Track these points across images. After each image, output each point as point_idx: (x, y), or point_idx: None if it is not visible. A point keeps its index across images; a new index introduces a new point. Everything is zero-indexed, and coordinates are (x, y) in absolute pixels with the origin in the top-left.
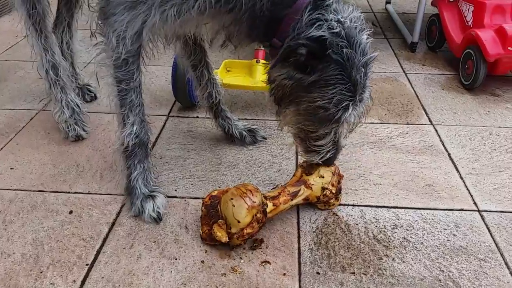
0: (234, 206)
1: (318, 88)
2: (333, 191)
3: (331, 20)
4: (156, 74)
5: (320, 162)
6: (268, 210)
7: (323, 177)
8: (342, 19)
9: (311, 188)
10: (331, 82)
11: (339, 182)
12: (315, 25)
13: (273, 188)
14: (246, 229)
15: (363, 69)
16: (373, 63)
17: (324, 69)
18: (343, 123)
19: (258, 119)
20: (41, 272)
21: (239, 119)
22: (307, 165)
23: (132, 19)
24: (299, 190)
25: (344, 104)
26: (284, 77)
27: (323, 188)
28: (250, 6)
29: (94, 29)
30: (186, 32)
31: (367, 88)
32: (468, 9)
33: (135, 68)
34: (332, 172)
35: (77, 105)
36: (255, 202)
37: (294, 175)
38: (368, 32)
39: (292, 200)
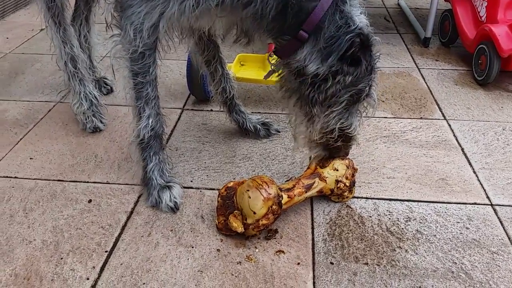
0: (250, 197)
1: (363, 77)
2: (347, 184)
3: (360, 14)
4: (171, 68)
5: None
6: (283, 202)
7: (337, 170)
8: (359, 12)
9: (325, 180)
10: (370, 68)
11: (353, 175)
12: (356, 18)
13: (287, 181)
14: (261, 220)
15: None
16: None
17: (368, 59)
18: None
19: (272, 113)
20: (61, 259)
21: (252, 112)
22: (321, 158)
23: (149, 10)
24: (314, 182)
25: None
26: (340, 72)
27: (337, 181)
28: None
29: (109, 21)
30: (201, 26)
31: None
32: (482, 4)
33: (152, 61)
34: (347, 165)
35: (95, 97)
36: (270, 194)
37: (308, 168)
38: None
39: (306, 192)
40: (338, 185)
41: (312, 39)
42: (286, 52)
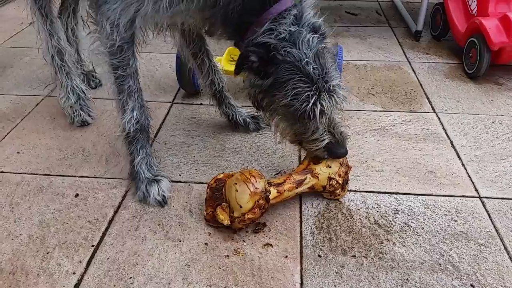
0: (237, 191)
1: (277, 89)
2: (340, 182)
3: (281, 29)
4: (161, 62)
5: (326, 156)
6: (271, 196)
7: (330, 167)
8: (292, 28)
9: (318, 177)
10: (284, 80)
11: (346, 173)
12: (265, 34)
13: (276, 174)
14: (247, 214)
15: (313, 62)
16: (327, 54)
17: (276, 70)
18: (316, 114)
19: None
20: (48, 253)
21: (242, 106)
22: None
23: (125, 7)
24: (305, 178)
25: (304, 96)
26: (249, 84)
27: (330, 178)
28: (225, 5)
29: (86, 19)
30: (175, 23)
31: (331, 78)
32: None
33: (131, 54)
34: (340, 163)
35: (83, 90)
36: (258, 188)
37: (301, 163)
38: (321, 32)
39: (297, 188)
40: (331, 182)
41: None
42: None
